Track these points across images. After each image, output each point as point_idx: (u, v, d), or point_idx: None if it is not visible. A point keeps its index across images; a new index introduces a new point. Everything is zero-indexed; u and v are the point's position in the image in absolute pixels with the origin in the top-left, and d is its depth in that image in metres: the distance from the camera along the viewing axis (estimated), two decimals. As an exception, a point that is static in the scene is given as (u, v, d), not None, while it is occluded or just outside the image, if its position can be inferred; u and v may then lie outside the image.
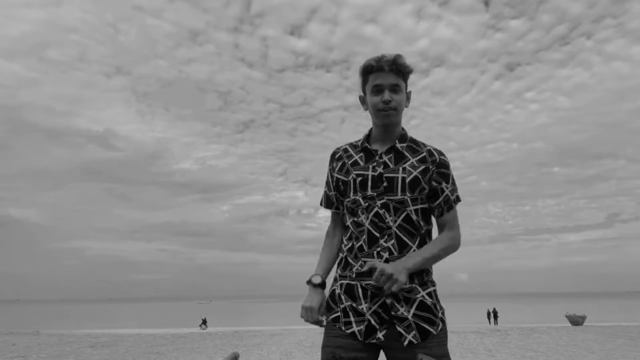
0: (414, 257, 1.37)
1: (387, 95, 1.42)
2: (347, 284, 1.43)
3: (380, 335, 1.35)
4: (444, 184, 1.46)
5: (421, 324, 1.36)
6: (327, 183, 1.60)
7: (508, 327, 18.97)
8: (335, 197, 1.56)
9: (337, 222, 1.61)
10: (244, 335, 16.47)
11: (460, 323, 26.10)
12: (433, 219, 1.50)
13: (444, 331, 1.42)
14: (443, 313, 1.45)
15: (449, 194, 1.48)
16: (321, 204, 1.64)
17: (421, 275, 1.41)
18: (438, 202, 1.46)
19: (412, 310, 1.36)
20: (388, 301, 1.36)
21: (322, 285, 1.52)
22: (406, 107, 1.51)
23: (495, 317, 28.67)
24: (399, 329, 1.35)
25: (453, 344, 11.99)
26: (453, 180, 1.50)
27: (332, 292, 1.47)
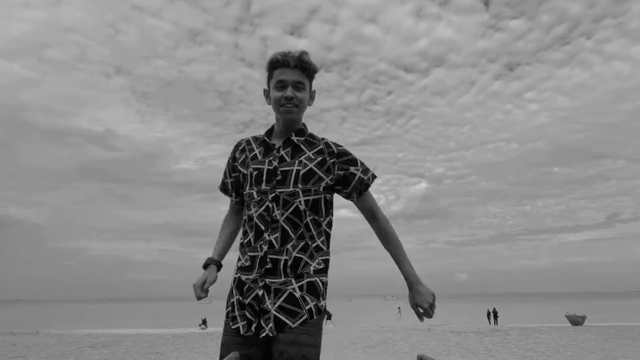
0: (410, 271, 1.48)
1: (289, 91, 1.45)
2: (237, 277, 1.46)
3: (253, 327, 1.36)
4: (352, 168, 1.50)
5: (280, 315, 1.35)
6: (225, 171, 1.64)
7: (508, 327, 18.96)
8: (231, 184, 1.61)
9: (234, 209, 1.67)
10: (244, 335, 16.43)
11: (460, 323, 26.09)
12: (322, 208, 1.47)
13: (313, 324, 1.38)
14: (317, 305, 1.40)
15: (362, 174, 1.51)
16: (218, 188, 1.68)
17: (296, 269, 1.40)
18: (352, 185, 1.50)
19: (278, 303, 1.36)
20: (260, 293, 1.38)
21: (211, 264, 1.56)
22: (309, 105, 1.54)
23: (495, 317, 28.65)
24: (261, 321, 1.36)
25: (453, 344, 12.00)
26: (361, 162, 1.54)
27: (230, 288, 1.50)
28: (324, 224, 1.49)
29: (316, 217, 1.46)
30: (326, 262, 1.48)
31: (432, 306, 1.45)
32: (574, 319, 22.10)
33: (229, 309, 1.45)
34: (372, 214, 1.54)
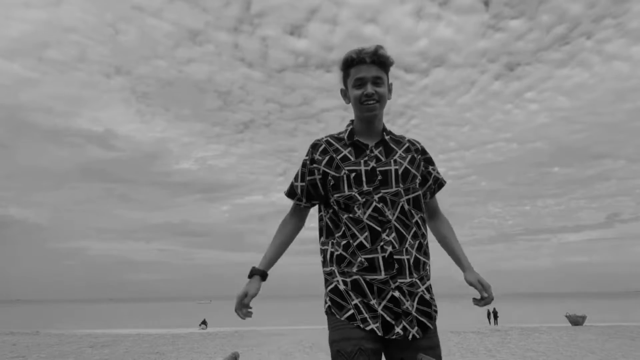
0: (465, 258, 1.57)
1: (369, 88, 1.42)
2: (353, 280, 1.39)
3: (398, 329, 1.35)
4: (430, 167, 1.55)
5: (421, 318, 1.39)
6: (299, 174, 1.55)
7: (508, 327, 18.96)
8: (302, 188, 1.53)
9: (297, 214, 1.59)
10: (244, 335, 16.47)
11: (460, 323, 26.08)
12: (422, 206, 1.51)
13: (436, 325, 1.47)
14: (436, 307, 1.48)
15: (437, 174, 1.57)
16: (285, 193, 1.60)
17: (419, 270, 1.42)
18: (429, 184, 1.54)
19: (415, 305, 1.38)
20: (396, 294, 1.36)
21: (256, 274, 1.50)
22: (389, 99, 1.50)
23: (495, 317, 28.64)
24: (404, 323, 1.35)
25: (453, 344, 11.99)
26: (435, 163, 1.59)
27: (335, 289, 1.42)
28: (426, 221, 1.52)
29: (422, 215, 1.49)
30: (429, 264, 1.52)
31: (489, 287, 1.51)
32: (574, 319, 22.10)
33: (353, 312, 1.37)
34: (434, 211, 1.62)
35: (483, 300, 1.49)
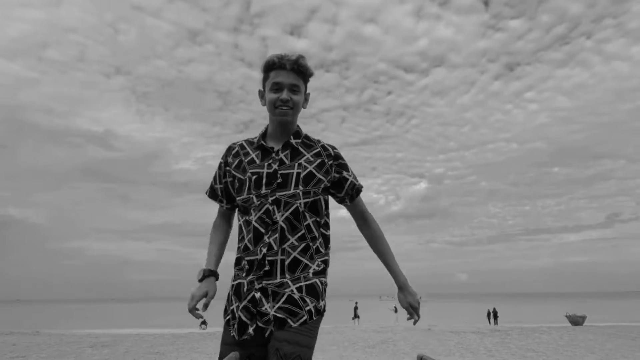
0: (401, 272, 1.56)
1: (285, 94, 1.46)
2: (236, 284, 1.46)
3: (250, 330, 1.37)
4: (344, 173, 1.55)
5: (279, 315, 1.36)
6: (217, 176, 1.61)
7: (508, 327, 18.96)
8: (221, 190, 1.60)
9: (224, 216, 1.66)
10: (244, 335, 16.43)
11: (460, 323, 26.09)
12: (320, 209, 1.51)
13: (310, 326, 1.38)
14: (317, 306, 1.42)
15: (353, 179, 1.57)
16: (206, 194, 1.66)
17: (295, 271, 1.42)
18: (345, 189, 1.55)
19: (277, 305, 1.37)
20: (257, 295, 1.38)
21: (210, 275, 1.51)
22: (304, 107, 1.55)
23: (495, 317, 28.65)
24: (259, 324, 1.37)
25: (453, 344, 12.00)
26: (351, 169, 1.59)
27: (228, 294, 1.51)
28: (322, 225, 1.52)
29: (317, 219, 1.49)
30: (325, 262, 1.50)
31: (419, 307, 1.57)
32: (574, 319, 22.10)
33: (229, 316, 1.45)
34: (363, 218, 1.60)
35: (414, 319, 1.59)
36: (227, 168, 1.56)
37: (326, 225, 1.54)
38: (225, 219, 1.66)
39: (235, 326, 1.40)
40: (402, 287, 1.56)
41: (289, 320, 1.36)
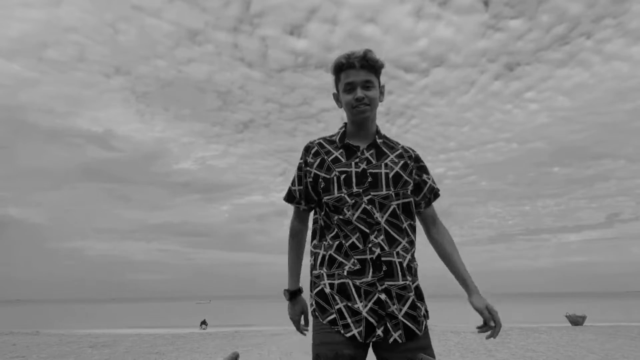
0: (470, 279, 1.53)
1: (359, 92, 1.44)
2: (340, 283, 1.39)
3: (379, 332, 1.35)
4: (424, 176, 1.53)
5: (408, 323, 1.37)
6: (296, 178, 1.57)
7: (508, 327, 18.95)
8: (300, 192, 1.55)
9: (302, 218, 1.61)
10: (244, 335, 16.46)
11: (460, 323, 26.07)
12: (413, 212, 1.51)
13: (427, 328, 1.46)
14: (426, 310, 1.47)
15: (432, 183, 1.56)
16: (284, 199, 1.62)
17: (411, 274, 1.42)
18: (423, 192, 1.53)
19: (404, 309, 1.36)
20: (382, 297, 1.36)
21: (298, 293, 1.59)
22: (381, 101, 1.52)
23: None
24: (388, 325, 1.35)
25: (453, 344, 11.99)
26: (430, 172, 1.57)
27: (321, 292, 1.42)
28: (415, 229, 1.51)
29: (412, 222, 1.49)
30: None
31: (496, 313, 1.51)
32: (574, 319, 22.09)
33: (335, 316, 1.37)
34: (435, 222, 1.59)
35: (490, 330, 1.45)
36: (308, 168, 1.53)
37: (416, 229, 1.53)
38: (303, 221, 1.62)
39: (362, 329, 1.34)
40: (474, 292, 1.52)
41: (417, 331, 1.39)
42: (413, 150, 1.55)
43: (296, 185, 1.57)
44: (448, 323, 24.71)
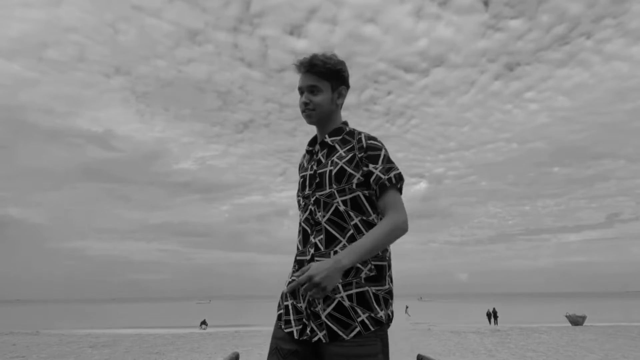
0: (351, 252, 1.25)
1: (304, 97, 1.47)
2: (288, 281, 1.47)
3: (308, 331, 1.35)
4: (371, 166, 1.38)
5: (332, 325, 1.31)
6: None
7: (508, 327, 18.96)
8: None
9: None
10: (244, 335, 16.47)
11: (460, 323, 26.08)
12: (366, 207, 1.39)
13: (369, 336, 1.29)
14: (372, 316, 1.31)
15: (379, 174, 1.37)
16: None
17: (347, 275, 1.32)
18: (370, 184, 1.39)
19: (328, 310, 1.32)
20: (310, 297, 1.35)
21: None
22: (338, 104, 1.51)
23: (495, 317, 28.65)
24: (312, 324, 1.34)
25: (453, 344, 11.99)
26: (386, 160, 1.40)
27: (282, 291, 1.52)
28: (372, 225, 1.38)
29: (364, 217, 1.38)
30: (379, 268, 1.36)
31: (306, 284, 1.19)
32: (574, 319, 22.11)
33: (282, 311, 1.45)
34: (383, 213, 1.38)
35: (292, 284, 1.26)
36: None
37: (369, 224, 1.39)
38: None
39: (293, 325, 1.39)
40: (329, 260, 1.23)
41: (341, 333, 1.29)
42: (367, 139, 1.42)
43: None
44: (448, 323, 24.72)
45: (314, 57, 1.45)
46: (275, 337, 1.43)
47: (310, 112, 1.47)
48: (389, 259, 1.42)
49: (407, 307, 41.21)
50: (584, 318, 22.09)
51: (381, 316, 1.32)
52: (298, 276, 1.22)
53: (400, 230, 1.33)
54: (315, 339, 1.33)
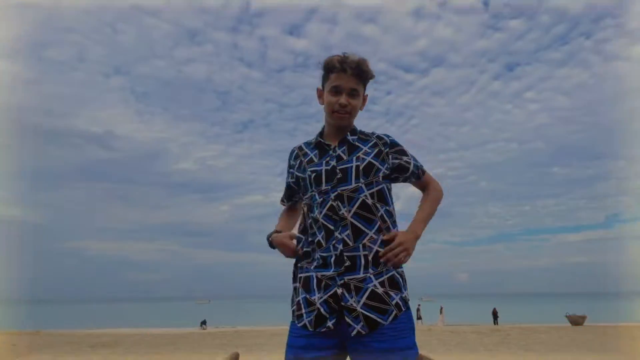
0: (419, 222, 1.52)
1: (343, 98, 1.46)
2: (305, 276, 1.45)
3: (330, 324, 1.35)
4: (404, 158, 1.54)
5: (369, 314, 1.34)
6: (287, 184, 1.69)
7: (508, 327, 18.97)
8: (284, 192, 1.72)
9: (287, 208, 1.76)
10: (244, 335, 16.47)
11: (460, 323, 26.08)
12: (389, 198, 1.50)
13: (403, 320, 1.38)
14: (402, 299, 1.40)
15: (415, 162, 1.57)
16: (282, 202, 1.77)
17: (378, 265, 1.40)
18: (410, 172, 1.55)
19: (362, 300, 1.35)
20: (339, 291, 1.37)
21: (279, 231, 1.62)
22: (361, 110, 1.56)
23: (495, 317, 28.65)
24: (347, 319, 1.34)
25: (453, 344, 12.00)
26: (411, 154, 1.58)
27: (294, 288, 1.52)
28: (393, 214, 1.50)
29: (387, 208, 1.47)
30: None
31: (400, 254, 1.42)
32: (574, 319, 22.10)
33: (294, 307, 1.47)
34: (425, 188, 1.61)
35: (384, 257, 1.42)
36: (292, 170, 1.63)
37: (394, 214, 1.53)
38: (288, 208, 1.76)
39: (312, 318, 1.38)
40: (409, 230, 1.50)
41: (379, 320, 1.33)
42: (387, 136, 1.55)
43: (285, 187, 1.71)
44: (448, 323, 24.70)
45: (362, 62, 1.46)
46: (292, 347, 1.40)
47: (345, 114, 1.49)
48: None
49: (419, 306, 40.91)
50: (584, 318, 22.08)
51: (406, 295, 1.44)
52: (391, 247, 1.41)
53: (442, 194, 1.62)
54: (354, 332, 1.33)
